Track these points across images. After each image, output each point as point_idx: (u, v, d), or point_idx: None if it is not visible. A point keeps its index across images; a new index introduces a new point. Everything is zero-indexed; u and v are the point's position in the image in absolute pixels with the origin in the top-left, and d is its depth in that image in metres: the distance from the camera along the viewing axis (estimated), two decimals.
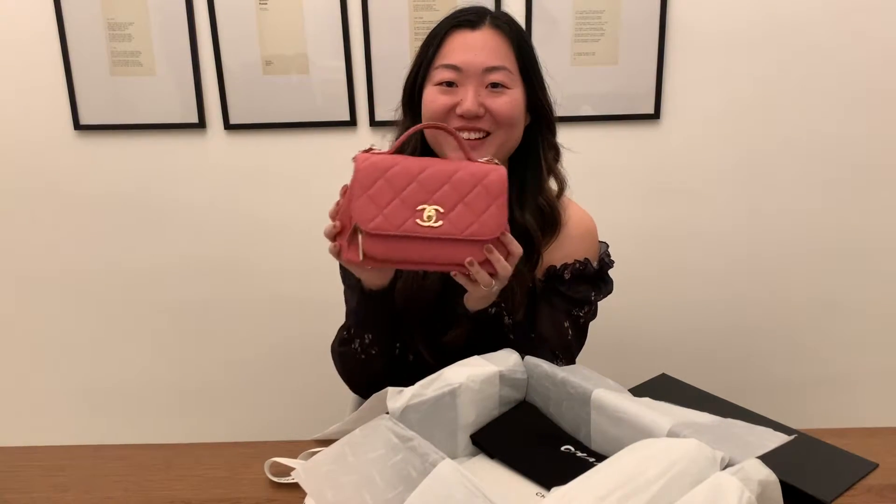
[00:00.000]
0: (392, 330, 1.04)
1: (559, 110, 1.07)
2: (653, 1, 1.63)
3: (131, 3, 1.63)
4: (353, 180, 0.85)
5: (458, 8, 1.04)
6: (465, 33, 0.99)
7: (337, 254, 0.88)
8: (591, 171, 1.71)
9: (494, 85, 0.98)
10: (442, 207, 0.84)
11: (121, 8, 1.64)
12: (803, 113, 1.71)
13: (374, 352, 1.03)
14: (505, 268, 0.87)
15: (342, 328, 1.08)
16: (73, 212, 1.79)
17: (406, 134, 0.91)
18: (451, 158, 0.97)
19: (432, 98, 1.00)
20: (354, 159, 0.86)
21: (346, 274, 1.05)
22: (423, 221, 0.84)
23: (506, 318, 1.00)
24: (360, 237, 0.84)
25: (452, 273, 0.88)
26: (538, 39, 1.65)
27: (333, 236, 0.88)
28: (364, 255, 0.84)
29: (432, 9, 1.62)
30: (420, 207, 0.84)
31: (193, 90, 1.69)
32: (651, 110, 1.70)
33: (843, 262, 1.81)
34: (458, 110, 0.98)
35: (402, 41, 1.64)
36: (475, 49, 0.98)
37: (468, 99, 0.97)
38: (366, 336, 1.03)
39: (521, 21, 1.63)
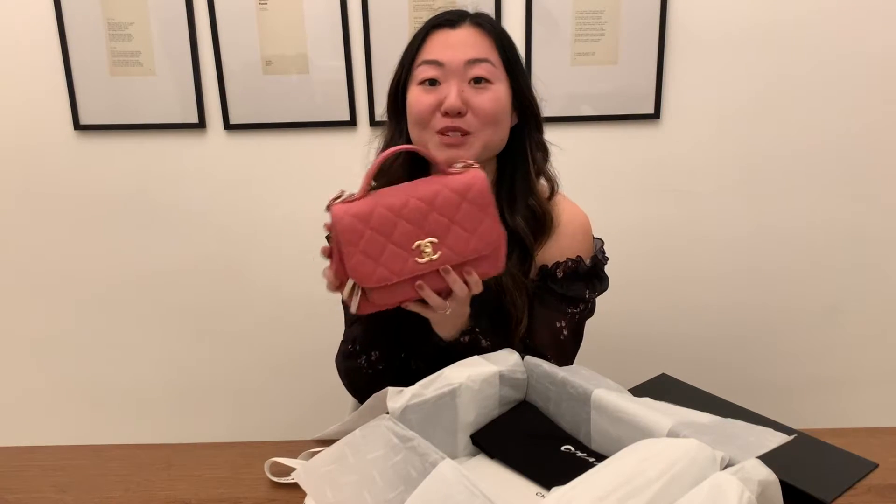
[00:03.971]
0: (398, 344, 1.04)
1: (558, 110, 1.07)
2: (653, 1, 1.63)
3: (131, 3, 1.63)
4: (340, 240, 0.80)
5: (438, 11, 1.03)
6: (445, 32, 0.99)
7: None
8: (590, 171, 1.72)
9: (478, 81, 0.97)
10: (436, 237, 0.82)
11: (121, 8, 1.64)
12: (803, 113, 1.71)
13: (381, 367, 1.03)
14: (462, 289, 0.85)
15: (345, 341, 1.07)
16: (73, 212, 1.79)
17: (374, 166, 0.85)
18: (431, 173, 0.93)
19: (416, 98, 0.98)
20: (330, 212, 0.81)
21: None
22: (422, 258, 0.82)
23: (483, 341, 0.98)
24: (358, 291, 0.82)
25: (404, 305, 0.86)
26: (538, 39, 1.65)
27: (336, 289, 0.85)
28: (372, 303, 0.83)
29: (432, 9, 1.62)
30: (415, 246, 0.81)
31: (193, 90, 1.68)
32: (651, 110, 1.70)
33: (843, 262, 1.81)
34: (443, 107, 0.96)
35: (402, 41, 1.61)
36: (456, 45, 0.97)
37: (451, 94, 0.95)
38: (373, 353, 1.03)
39: (522, 21, 1.63)
